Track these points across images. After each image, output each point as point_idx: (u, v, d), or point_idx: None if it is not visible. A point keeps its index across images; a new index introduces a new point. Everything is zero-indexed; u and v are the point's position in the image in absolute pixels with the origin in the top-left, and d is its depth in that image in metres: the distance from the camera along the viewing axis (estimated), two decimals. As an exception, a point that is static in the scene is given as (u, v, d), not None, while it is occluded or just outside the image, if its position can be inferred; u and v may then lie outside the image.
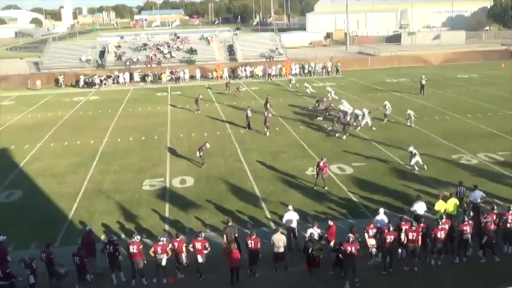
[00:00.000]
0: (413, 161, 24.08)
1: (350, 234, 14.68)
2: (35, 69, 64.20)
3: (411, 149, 24.18)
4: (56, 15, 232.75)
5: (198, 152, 26.25)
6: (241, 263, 15.15)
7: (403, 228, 15.45)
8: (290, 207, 17.41)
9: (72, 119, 40.16)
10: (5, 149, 31.29)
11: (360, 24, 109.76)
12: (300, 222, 17.23)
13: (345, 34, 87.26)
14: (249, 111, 34.12)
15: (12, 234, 17.78)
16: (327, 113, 35.69)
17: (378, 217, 16.38)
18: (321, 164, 22.41)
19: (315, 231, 15.60)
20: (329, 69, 60.99)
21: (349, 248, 14.34)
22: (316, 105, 38.77)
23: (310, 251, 14.78)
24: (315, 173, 22.89)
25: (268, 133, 31.95)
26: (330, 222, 16.46)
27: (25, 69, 64.10)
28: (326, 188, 22.40)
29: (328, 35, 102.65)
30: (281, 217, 18.96)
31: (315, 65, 61.27)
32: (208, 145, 26.74)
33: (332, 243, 15.89)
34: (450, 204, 17.44)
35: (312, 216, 19.29)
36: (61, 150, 30.67)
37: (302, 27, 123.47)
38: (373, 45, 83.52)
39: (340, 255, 14.60)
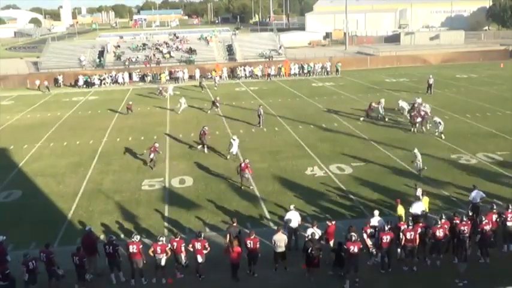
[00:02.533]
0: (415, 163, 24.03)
1: (353, 233, 14.72)
2: (34, 69, 64.17)
3: (415, 151, 24.05)
4: (55, 15, 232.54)
5: (149, 154, 26.17)
6: (240, 261, 15.20)
7: (401, 228, 15.49)
8: (291, 207, 17.43)
9: (72, 119, 40.14)
10: (4, 149, 31.27)
11: (359, 24, 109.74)
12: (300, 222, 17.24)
13: (344, 34, 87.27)
14: (261, 110, 34.66)
15: (11, 234, 17.78)
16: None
17: (373, 219, 16.37)
18: (243, 165, 22.96)
19: (315, 231, 15.61)
20: (328, 69, 61.00)
21: (351, 247, 14.37)
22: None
23: (309, 250, 14.79)
24: (238, 173, 23.23)
25: (205, 150, 28.74)
26: (328, 223, 16.48)
27: (24, 69, 64.06)
28: (252, 187, 22.85)
29: (328, 35, 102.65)
30: (280, 217, 19.07)
31: (314, 65, 61.27)
32: (157, 145, 26.87)
33: (331, 243, 15.91)
34: (425, 202, 17.84)
35: (311, 216, 19.29)
36: (60, 150, 30.66)
37: (301, 27, 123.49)
38: (372, 45, 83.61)
39: (343, 254, 14.62)
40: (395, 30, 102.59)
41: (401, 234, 15.31)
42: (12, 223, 19.96)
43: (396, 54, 70.28)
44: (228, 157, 27.18)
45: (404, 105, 35.04)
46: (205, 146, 28.67)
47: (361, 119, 35.36)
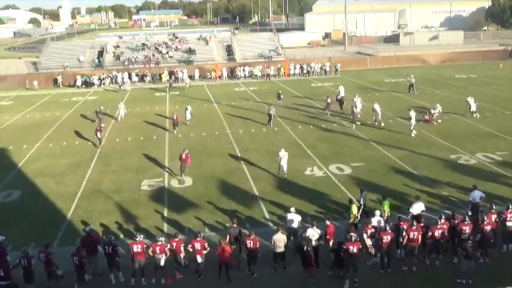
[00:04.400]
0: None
1: (352, 234, 14.72)
2: (33, 69, 64.16)
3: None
4: (54, 15, 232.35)
5: (97, 133, 30.57)
6: (231, 260, 15.28)
7: (402, 227, 15.49)
8: (292, 209, 17.39)
9: (71, 119, 40.11)
10: (4, 149, 31.25)
11: (359, 24, 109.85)
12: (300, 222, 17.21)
13: (344, 34, 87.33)
14: (272, 109, 34.96)
15: (11, 234, 17.74)
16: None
17: (374, 219, 16.38)
18: (183, 155, 24.27)
19: (315, 232, 15.59)
20: (327, 70, 61.01)
21: (351, 247, 14.37)
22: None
23: (305, 248, 14.79)
24: (179, 164, 24.60)
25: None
26: (328, 222, 16.47)
27: (23, 69, 64.04)
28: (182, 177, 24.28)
29: (327, 35, 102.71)
30: (280, 217, 19.09)
31: (314, 65, 61.28)
32: (103, 125, 31.85)
33: (331, 243, 15.90)
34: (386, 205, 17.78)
35: (311, 216, 19.27)
36: (59, 150, 30.64)
37: (301, 27, 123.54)
38: (372, 45, 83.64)
39: (342, 254, 14.62)
40: (395, 31, 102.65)
41: (403, 233, 15.31)
42: (11, 223, 19.94)
43: (395, 54, 70.35)
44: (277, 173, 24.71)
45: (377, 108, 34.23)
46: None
47: (328, 114, 36.90)
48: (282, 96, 42.39)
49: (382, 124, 32.97)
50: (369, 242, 15.59)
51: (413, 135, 30.47)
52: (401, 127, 32.66)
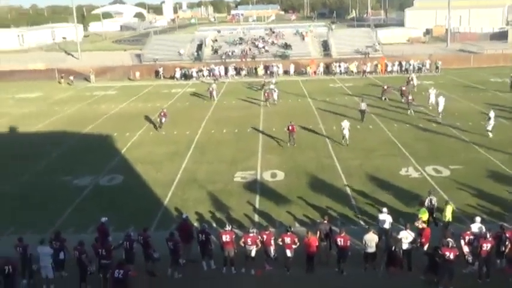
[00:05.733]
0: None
1: (449, 239, 14.12)
2: (137, 61, 67.41)
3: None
4: (158, 10, 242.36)
5: (160, 119, 34.10)
6: (318, 252, 15.35)
7: (505, 236, 14.61)
8: (384, 209, 17.01)
9: (170, 109, 41.70)
10: (109, 136, 33.20)
11: (463, 20, 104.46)
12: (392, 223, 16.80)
13: (446, 30, 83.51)
14: (363, 104, 34.83)
15: (113, 216, 18.75)
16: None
17: (474, 225, 15.59)
18: (290, 127, 29.05)
19: (408, 234, 15.13)
20: (427, 67, 58.69)
21: (447, 253, 13.80)
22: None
23: (393, 248, 14.40)
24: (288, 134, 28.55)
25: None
26: (424, 225, 15.93)
27: (128, 61, 67.47)
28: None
29: (428, 31, 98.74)
30: (372, 216, 18.73)
31: (413, 63, 59.19)
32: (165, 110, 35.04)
33: (426, 247, 15.35)
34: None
35: (404, 217, 18.67)
36: (159, 139, 32.04)
37: (400, 23, 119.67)
38: (476, 42, 79.23)
39: (438, 259, 14.07)
40: (503, 27, 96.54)
41: (506, 242, 14.44)
42: (113, 206, 21.17)
43: (503, 52, 66.16)
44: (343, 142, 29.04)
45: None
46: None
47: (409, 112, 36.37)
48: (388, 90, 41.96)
49: (491, 135, 29.35)
50: (466, 249, 14.89)
51: (491, 136, 28.93)
52: (506, 129, 30.77)
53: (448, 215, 17.18)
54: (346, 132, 28.75)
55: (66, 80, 59.08)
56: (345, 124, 29.02)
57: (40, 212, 20.94)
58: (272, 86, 43.30)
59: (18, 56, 76.34)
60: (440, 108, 34.50)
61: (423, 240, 15.49)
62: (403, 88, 40.98)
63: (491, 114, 29.62)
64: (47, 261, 14.68)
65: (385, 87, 42.69)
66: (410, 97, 37.23)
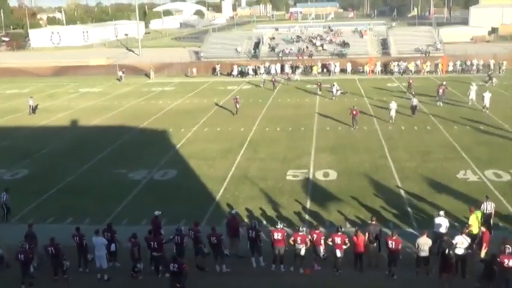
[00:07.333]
0: None
1: (508, 246, 13.52)
2: (195, 57, 68.44)
3: None
4: (217, 8, 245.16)
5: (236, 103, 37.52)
6: (366, 251, 15.23)
7: None
8: (441, 213, 16.50)
9: (226, 106, 42.11)
10: (165, 131, 33.91)
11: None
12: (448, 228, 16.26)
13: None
14: (414, 100, 35.83)
15: (165, 209, 19.08)
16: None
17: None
18: (353, 111, 32.27)
19: (464, 239, 14.59)
20: (491, 68, 56.35)
21: (506, 261, 13.21)
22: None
23: (447, 251, 13.93)
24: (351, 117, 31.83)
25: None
26: (483, 229, 15.37)
27: (186, 57, 68.62)
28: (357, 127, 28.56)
29: (493, 30, 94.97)
30: (425, 220, 18.24)
31: (475, 62, 57.01)
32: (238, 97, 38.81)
33: (483, 252, 14.76)
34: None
35: (461, 222, 18.04)
36: (213, 136, 32.41)
37: (464, 22, 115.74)
38: (546, 42, 75.47)
39: (495, 267, 13.49)
40: None
41: None
42: (166, 200, 21.60)
43: None
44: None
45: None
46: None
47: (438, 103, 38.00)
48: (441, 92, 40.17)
49: None
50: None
51: None
52: None
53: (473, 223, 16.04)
54: (393, 113, 33.05)
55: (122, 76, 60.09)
56: (393, 105, 33.39)
57: (96, 203, 21.65)
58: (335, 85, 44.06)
59: (83, 52, 79.28)
60: (487, 103, 35.24)
61: (484, 244, 14.91)
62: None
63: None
64: (102, 251, 15.16)
65: (443, 84, 41.35)
66: (441, 90, 39.21)
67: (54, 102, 46.98)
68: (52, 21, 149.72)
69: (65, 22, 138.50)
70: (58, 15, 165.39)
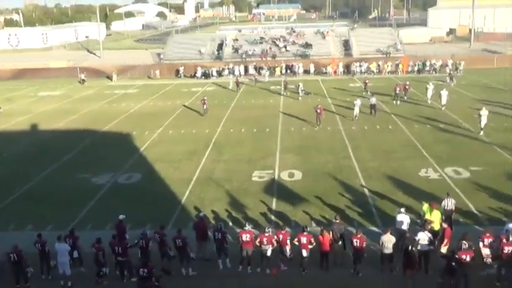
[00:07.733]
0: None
1: (464, 241, 13.90)
2: (157, 59, 67.84)
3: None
4: (179, 9, 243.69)
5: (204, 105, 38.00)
6: (332, 250, 15.39)
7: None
8: (402, 209, 16.83)
9: (190, 108, 41.88)
10: (128, 134, 33.50)
11: (487, 20, 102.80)
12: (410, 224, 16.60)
13: (470, 30, 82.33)
14: (373, 100, 36.55)
15: (129, 214, 18.76)
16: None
17: (507, 227, 15.27)
18: (318, 110, 32.71)
19: (426, 236, 14.93)
20: (450, 67, 57.78)
21: (463, 256, 13.58)
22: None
23: (410, 248, 14.23)
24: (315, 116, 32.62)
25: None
26: (444, 225, 15.75)
27: (149, 59, 67.97)
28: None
29: (451, 31, 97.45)
30: (389, 217, 18.54)
31: (435, 63, 58.44)
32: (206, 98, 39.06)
33: (445, 249, 15.13)
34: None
35: (422, 219, 18.40)
36: (178, 138, 32.21)
37: (423, 23, 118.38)
38: (501, 42, 77.94)
39: (453, 263, 13.85)
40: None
41: None
42: (131, 203, 21.32)
43: (527, 52, 64.91)
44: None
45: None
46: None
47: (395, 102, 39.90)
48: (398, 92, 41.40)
49: (481, 133, 29.90)
50: (485, 251, 14.65)
51: (481, 134, 29.78)
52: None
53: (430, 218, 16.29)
54: (357, 110, 34.46)
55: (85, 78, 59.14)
56: (357, 102, 34.96)
57: (60, 209, 21.22)
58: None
59: (42, 55, 77.56)
60: (444, 101, 36.84)
61: (446, 240, 15.28)
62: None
63: (483, 112, 30.00)
64: (64, 257, 14.86)
65: (406, 83, 43.18)
66: (398, 89, 41.04)
67: (13, 106, 45.83)
68: (9, 22, 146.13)
69: (22, 24, 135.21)
70: (16, 16, 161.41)
